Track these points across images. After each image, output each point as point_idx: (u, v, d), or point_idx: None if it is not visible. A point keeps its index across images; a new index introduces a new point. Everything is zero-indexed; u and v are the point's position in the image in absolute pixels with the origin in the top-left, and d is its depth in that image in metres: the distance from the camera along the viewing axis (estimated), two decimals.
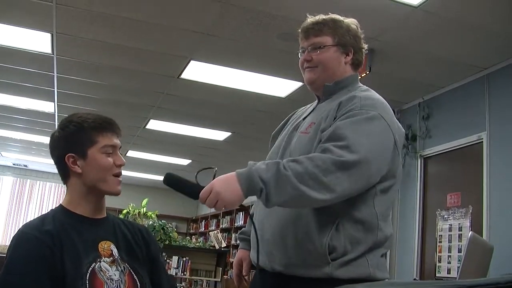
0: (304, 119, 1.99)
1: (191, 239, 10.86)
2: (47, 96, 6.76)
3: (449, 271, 4.88)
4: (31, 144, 10.02)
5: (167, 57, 5.19)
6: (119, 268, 1.68)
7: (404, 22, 4.07)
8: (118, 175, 1.74)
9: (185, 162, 10.14)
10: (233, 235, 11.21)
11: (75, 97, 6.70)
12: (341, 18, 2.04)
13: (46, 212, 1.75)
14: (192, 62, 5.25)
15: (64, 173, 1.73)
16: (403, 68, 4.97)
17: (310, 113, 2.00)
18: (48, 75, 5.97)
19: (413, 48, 4.51)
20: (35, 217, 1.73)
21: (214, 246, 8.09)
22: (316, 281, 1.74)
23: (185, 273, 6.61)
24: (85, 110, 7.25)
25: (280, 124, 2.18)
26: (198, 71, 5.49)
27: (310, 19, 2.03)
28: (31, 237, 1.57)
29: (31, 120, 8.18)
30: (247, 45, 4.65)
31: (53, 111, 7.46)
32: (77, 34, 4.78)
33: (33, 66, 5.73)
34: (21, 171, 13.25)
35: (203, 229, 13.00)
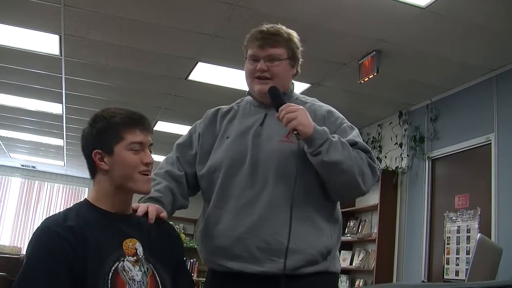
0: (261, 125, 1.98)
1: (194, 240, 10.87)
2: (55, 97, 6.79)
3: (457, 273, 4.86)
4: (39, 145, 10.06)
5: (174, 59, 5.20)
6: (142, 268, 1.62)
7: (412, 23, 4.06)
8: (146, 173, 1.67)
9: None
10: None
11: (83, 98, 6.72)
12: (289, 30, 2.03)
13: (70, 206, 1.69)
14: (199, 63, 5.25)
15: (91, 169, 1.70)
16: (411, 69, 4.95)
17: (263, 120, 1.99)
18: (56, 77, 5.99)
19: (421, 50, 4.49)
20: (59, 211, 1.67)
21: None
22: (314, 275, 1.88)
23: (192, 274, 6.63)
24: (92, 112, 7.26)
25: (205, 124, 2.13)
26: (205, 73, 5.49)
27: (264, 27, 2.01)
28: (52, 232, 1.52)
29: (39, 122, 8.22)
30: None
31: (61, 112, 7.49)
32: (85, 36, 4.80)
33: (41, 67, 5.76)
34: (29, 173, 13.30)
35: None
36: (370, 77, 4.71)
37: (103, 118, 1.68)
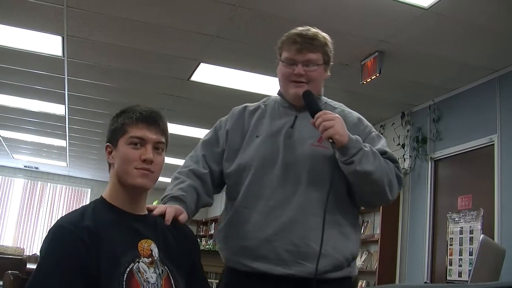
0: (292, 127, 1.97)
1: (201, 241, 10.87)
2: (58, 98, 6.80)
3: (460, 274, 4.85)
4: (42, 146, 10.08)
5: (176, 60, 5.20)
6: (157, 270, 1.57)
7: (414, 24, 4.05)
8: (141, 168, 1.60)
9: None
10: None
11: (86, 99, 6.73)
12: (324, 33, 2.02)
13: (86, 204, 1.65)
14: (201, 64, 5.26)
15: (108, 164, 1.68)
16: (413, 70, 4.95)
17: (294, 122, 1.98)
18: (59, 78, 6.00)
19: (424, 50, 4.49)
20: (76, 209, 1.63)
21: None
22: (338, 280, 1.89)
23: None
24: (95, 113, 7.30)
25: (233, 121, 2.07)
26: (207, 74, 5.50)
27: (302, 31, 1.98)
28: (67, 232, 1.48)
29: (42, 123, 8.23)
30: (256, 47, 4.65)
31: (63, 113, 7.50)
32: (88, 37, 4.81)
33: (44, 68, 5.77)
34: (32, 173, 13.32)
35: (213, 231, 13.01)
36: (373, 77, 4.70)
37: (119, 112, 1.67)
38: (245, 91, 5.77)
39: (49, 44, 5.05)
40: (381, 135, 2.05)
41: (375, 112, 6.24)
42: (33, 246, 13.11)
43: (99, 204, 1.63)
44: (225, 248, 1.97)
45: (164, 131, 1.67)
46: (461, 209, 5.00)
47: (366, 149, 1.84)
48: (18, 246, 12.13)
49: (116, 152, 1.62)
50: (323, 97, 2.08)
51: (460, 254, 4.90)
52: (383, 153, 1.92)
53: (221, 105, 6.40)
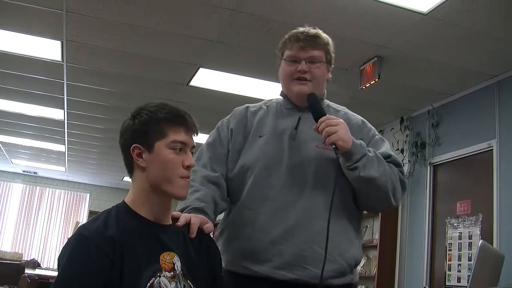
0: (296, 128, 1.95)
1: None
2: (57, 103, 6.79)
3: (459, 280, 4.84)
4: (41, 151, 10.07)
5: (176, 65, 5.20)
6: (179, 285, 1.49)
7: (413, 29, 4.06)
8: (186, 176, 1.55)
9: None
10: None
11: (85, 104, 6.73)
12: (326, 35, 2.03)
13: (108, 209, 1.56)
14: (201, 69, 5.26)
15: (129, 166, 1.57)
16: (412, 75, 4.95)
17: (298, 123, 1.97)
18: (58, 83, 6.00)
19: (423, 56, 4.50)
20: (96, 215, 1.53)
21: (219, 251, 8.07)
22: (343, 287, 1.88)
23: None
24: (94, 117, 7.30)
25: (236, 121, 2.05)
26: (207, 79, 5.50)
27: (305, 29, 1.99)
28: (91, 244, 1.39)
29: (41, 128, 8.22)
30: (256, 52, 4.66)
31: (62, 118, 7.50)
32: (87, 41, 4.81)
33: (43, 73, 5.77)
34: (31, 178, 13.30)
35: (212, 236, 13.00)
36: (372, 82, 4.71)
37: (148, 111, 1.55)
38: (244, 96, 5.77)
39: (48, 49, 5.05)
40: (384, 139, 2.05)
41: (374, 117, 6.21)
42: (32, 251, 13.09)
43: (121, 210, 1.54)
44: (226, 251, 1.92)
45: (197, 133, 1.64)
46: (460, 214, 5.00)
47: (370, 154, 1.83)
48: (16, 251, 12.11)
49: (153, 155, 1.52)
50: (326, 100, 2.07)
51: (459, 259, 4.90)
52: (387, 157, 1.92)
53: (220, 110, 6.38)
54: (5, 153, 10.71)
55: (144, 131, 1.53)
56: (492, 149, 4.71)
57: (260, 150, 1.94)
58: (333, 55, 2.03)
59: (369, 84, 4.75)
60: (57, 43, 4.91)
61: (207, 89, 5.78)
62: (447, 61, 4.56)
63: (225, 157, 1.99)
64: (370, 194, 1.88)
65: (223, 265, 1.89)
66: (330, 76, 2.06)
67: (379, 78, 4.60)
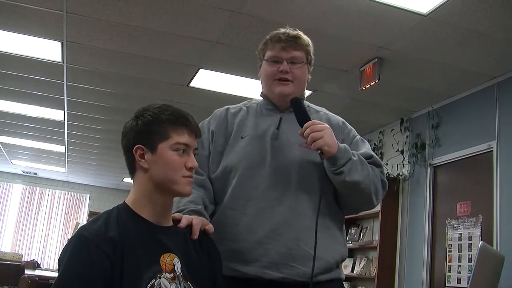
0: (277, 128, 1.95)
1: None
2: (57, 104, 6.79)
3: (459, 281, 4.84)
4: (41, 152, 10.07)
5: (176, 66, 5.21)
6: (179, 287, 1.49)
7: (413, 30, 4.06)
8: (188, 176, 1.56)
9: None
10: None
11: (85, 105, 6.73)
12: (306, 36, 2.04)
13: (109, 210, 1.56)
14: (201, 70, 5.26)
15: (131, 166, 1.57)
16: (412, 76, 4.95)
17: (279, 124, 1.97)
18: (58, 84, 6.00)
19: (423, 57, 4.50)
20: (96, 216, 1.53)
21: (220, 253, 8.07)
22: (328, 282, 1.88)
23: None
24: (94, 118, 7.30)
25: (216, 122, 2.05)
26: (207, 80, 5.50)
27: (286, 30, 2.00)
28: (92, 245, 1.39)
29: (41, 128, 8.22)
30: (255, 53, 4.65)
31: (62, 119, 7.50)
32: (87, 42, 4.81)
33: (43, 74, 5.77)
34: (31, 179, 13.31)
35: None
36: (372, 84, 4.71)
37: (151, 112, 1.56)
38: (244, 97, 5.74)
39: (48, 50, 5.06)
40: (364, 140, 2.06)
41: (374, 118, 6.24)
42: (32, 252, 13.09)
43: (122, 211, 1.54)
44: None
45: (200, 135, 1.65)
46: (460, 215, 5.00)
47: (354, 158, 1.84)
48: (16, 251, 12.09)
49: (155, 157, 1.53)
50: (305, 101, 2.07)
51: (459, 260, 4.90)
52: (369, 158, 1.93)
53: None
54: (5, 153, 10.71)
55: (147, 132, 1.54)
56: (492, 150, 4.71)
57: (242, 151, 1.94)
58: (313, 56, 2.03)
59: (369, 85, 4.75)
60: (57, 44, 4.91)
61: (207, 90, 5.78)
62: (447, 62, 4.56)
63: (206, 160, 1.99)
64: (354, 197, 1.90)
65: None
66: (310, 77, 2.06)
67: (379, 79, 4.61)
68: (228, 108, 2.10)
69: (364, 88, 4.83)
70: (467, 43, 4.17)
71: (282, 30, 2.00)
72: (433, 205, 5.44)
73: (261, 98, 2.10)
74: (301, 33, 2.01)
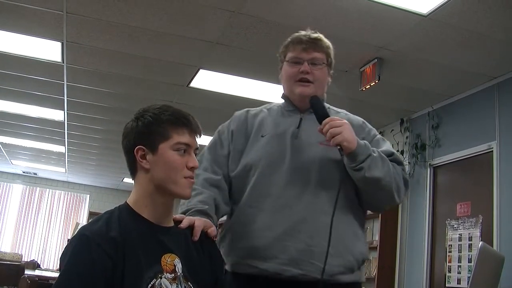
0: (298, 127, 1.97)
1: None
2: (57, 104, 6.80)
3: (459, 281, 4.84)
4: (41, 152, 10.07)
5: (176, 66, 5.21)
6: (179, 287, 1.49)
7: (413, 31, 4.06)
8: (190, 177, 1.56)
9: None
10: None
11: (85, 105, 6.73)
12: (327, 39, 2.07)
13: (110, 210, 1.56)
14: (201, 70, 5.26)
15: (132, 167, 1.57)
16: (412, 77, 4.95)
17: (299, 123, 1.99)
18: (58, 84, 6.00)
19: (423, 57, 4.50)
20: (98, 216, 1.53)
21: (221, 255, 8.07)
22: (349, 285, 1.87)
23: None
24: (94, 119, 7.30)
25: (237, 123, 2.07)
26: (207, 80, 5.50)
27: (307, 32, 2.02)
28: (93, 245, 1.40)
29: (41, 128, 8.22)
30: (256, 54, 4.66)
31: (62, 119, 7.50)
32: (87, 43, 4.81)
33: (43, 74, 5.77)
34: (31, 179, 13.30)
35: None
36: (372, 84, 4.71)
37: (151, 113, 1.56)
38: (244, 97, 5.77)
39: (48, 50, 5.06)
40: (385, 139, 2.07)
41: (374, 119, 6.20)
42: (31, 252, 13.09)
43: (124, 211, 1.54)
44: (231, 252, 1.92)
45: (200, 135, 1.65)
46: (460, 216, 5.00)
47: (374, 154, 1.84)
48: (16, 252, 12.10)
49: (157, 157, 1.53)
50: (326, 103, 2.08)
51: (459, 261, 4.89)
52: (390, 155, 1.93)
53: (220, 112, 6.40)
54: (5, 154, 10.71)
55: (147, 133, 1.54)
56: (492, 151, 4.71)
57: (262, 149, 1.95)
58: (333, 59, 2.05)
59: (369, 86, 4.75)
60: (58, 44, 4.91)
61: (207, 90, 5.78)
62: (447, 62, 4.56)
63: (225, 159, 2.00)
64: (375, 194, 1.90)
65: (227, 268, 1.90)
66: (330, 80, 2.08)
67: (379, 80, 4.61)
68: (248, 110, 2.13)
69: (364, 89, 4.83)
70: (467, 43, 4.17)
71: (303, 32, 2.03)
72: (433, 205, 5.44)
73: (282, 101, 2.12)
74: (322, 36, 2.03)
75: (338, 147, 1.80)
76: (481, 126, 4.89)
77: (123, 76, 5.64)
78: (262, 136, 1.99)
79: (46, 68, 5.53)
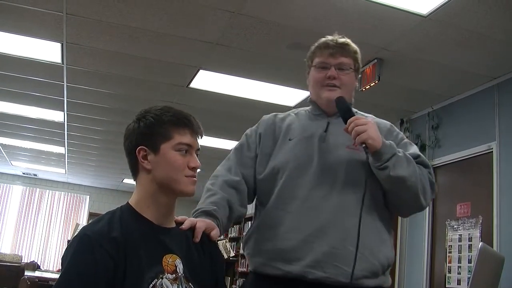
0: (325, 131, 1.97)
1: None
2: (57, 105, 6.80)
3: (459, 282, 4.84)
4: (41, 153, 10.08)
5: (176, 67, 5.21)
6: (180, 287, 1.50)
7: (413, 31, 4.07)
8: (191, 176, 1.57)
9: None
10: (241, 244, 11.16)
11: (85, 106, 6.73)
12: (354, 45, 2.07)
13: (112, 210, 1.56)
14: (201, 71, 5.26)
15: (134, 168, 1.58)
16: (412, 77, 4.95)
17: (327, 127, 1.99)
18: (58, 85, 6.00)
19: (423, 58, 4.50)
20: (100, 216, 1.54)
21: (223, 256, 8.09)
22: None
23: None
24: (94, 119, 7.30)
25: (265, 126, 2.09)
26: (207, 81, 5.50)
27: (334, 37, 2.03)
28: (95, 245, 1.40)
29: (41, 130, 8.23)
30: (256, 54, 4.67)
31: (62, 120, 7.50)
32: (87, 44, 4.81)
33: (43, 75, 5.77)
34: (31, 180, 13.31)
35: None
36: (372, 85, 4.71)
37: (153, 114, 1.57)
38: (244, 98, 5.77)
39: (48, 51, 5.06)
40: (412, 143, 2.07)
41: None
42: (31, 253, 13.09)
43: (125, 212, 1.55)
44: (256, 253, 1.92)
45: (202, 135, 1.65)
46: (460, 216, 5.00)
47: (399, 154, 1.84)
48: (16, 253, 12.09)
49: (158, 157, 1.54)
50: (353, 108, 2.06)
51: (459, 261, 4.89)
52: (416, 157, 1.92)
53: (220, 112, 6.41)
54: (5, 155, 10.71)
55: (149, 134, 1.55)
56: (492, 151, 4.70)
57: (290, 152, 1.96)
58: (361, 64, 2.06)
59: (369, 86, 4.75)
60: (57, 45, 4.91)
61: (207, 91, 5.78)
62: (447, 63, 4.56)
63: (252, 161, 2.02)
64: (400, 195, 1.88)
65: (251, 267, 1.91)
66: (357, 85, 2.09)
67: (379, 80, 4.61)
68: (276, 114, 2.14)
69: (364, 89, 4.83)
70: (467, 44, 4.17)
71: (330, 37, 2.03)
72: (433, 206, 5.43)
73: (309, 106, 2.12)
74: (349, 41, 2.04)
75: (363, 145, 1.80)
76: (481, 127, 4.89)
77: (123, 77, 5.65)
78: (290, 140, 2.00)
79: (46, 69, 5.54)
